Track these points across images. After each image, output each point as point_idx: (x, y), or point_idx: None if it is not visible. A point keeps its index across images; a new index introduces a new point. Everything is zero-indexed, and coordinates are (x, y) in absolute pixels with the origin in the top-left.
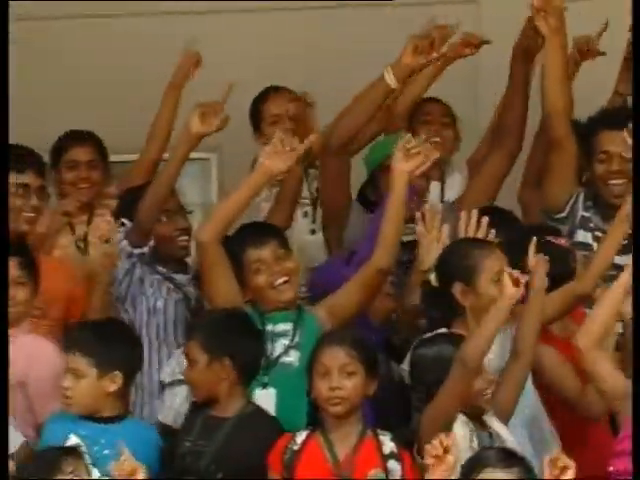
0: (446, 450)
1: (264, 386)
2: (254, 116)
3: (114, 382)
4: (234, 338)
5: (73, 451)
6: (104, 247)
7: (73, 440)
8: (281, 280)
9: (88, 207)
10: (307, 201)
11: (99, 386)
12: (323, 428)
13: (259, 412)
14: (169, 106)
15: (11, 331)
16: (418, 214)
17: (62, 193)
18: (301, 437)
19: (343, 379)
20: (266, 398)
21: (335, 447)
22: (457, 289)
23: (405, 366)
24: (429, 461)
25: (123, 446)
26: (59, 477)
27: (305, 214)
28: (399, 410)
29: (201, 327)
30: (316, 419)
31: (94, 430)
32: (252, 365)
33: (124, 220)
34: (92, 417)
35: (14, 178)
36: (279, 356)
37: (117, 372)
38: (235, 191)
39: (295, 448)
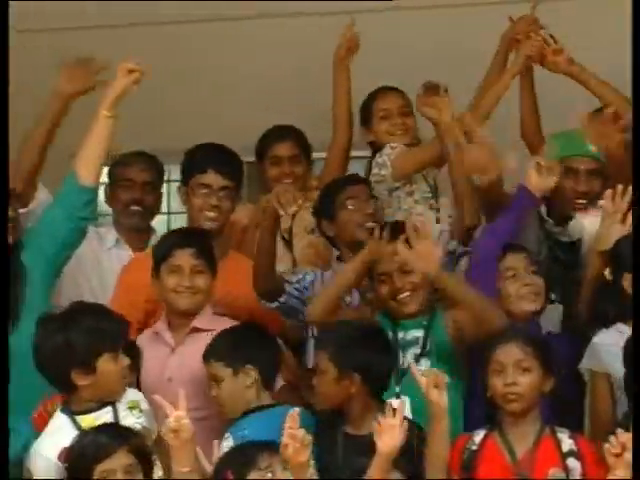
0: (624, 448)
1: (397, 396)
2: (364, 112)
3: (249, 375)
4: (365, 353)
5: (270, 446)
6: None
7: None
8: (405, 294)
9: None
10: (428, 194)
11: (236, 382)
12: (500, 427)
13: None
14: (342, 87)
15: (197, 321)
16: (608, 191)
17: (267, 188)
18: (479, 437)
19: (518, 375)
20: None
21: (513, 446)
22: (626, 281)
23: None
24: (610, 460)
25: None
26: (254, 472)
27: (430, 207)
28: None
29: (331, 338)
30: (493, 419)
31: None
32: (382, 380)
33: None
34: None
35: (197, 179)
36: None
37: (249, 366)
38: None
39: (474, 448)
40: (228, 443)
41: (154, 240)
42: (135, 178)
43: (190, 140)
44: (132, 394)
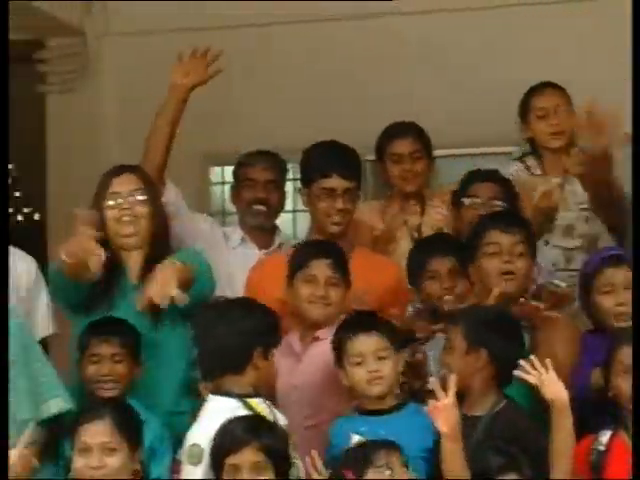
0: None
1: None
2: (522, 107)
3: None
4: (496, 334)
5: (387, 445)
6: None
7: (355, 439)
8: None
9: (419, 198)
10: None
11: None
12: (626, 426)
13: (511, 406)
14: None
15: (320, 332)
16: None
17: (390, 186)
18: (605, 437)
19: None
20: None
21: None
22: None
23: None
24: None
25: None
26: (372, 470)
27: None
28: None
29: (467, 316)
30: (617, 419)
31: (373, 424)
32: (508, 363)
33: None
34: (370, 411)
35: (320, 183)
36: None
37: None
38: None
39: (601, 448)
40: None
41: (279, 239)
42: (257, 178)
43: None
44: None
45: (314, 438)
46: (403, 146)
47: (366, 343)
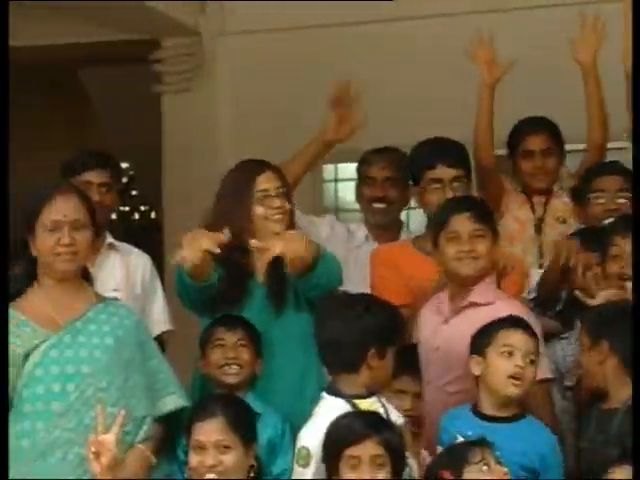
0: None
1: None
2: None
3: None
4: (616, 325)
5: (480, 442)
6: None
7: (459, 440)
8: None
9: (546, 191)
10: None
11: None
12: None
13: None
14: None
15: (474, 296)
16: None
17: (520, 182)
18: None
19: None
20: None
21: None
22: None
23: None
24: None
25: None
26: (467, 468)
27: None
28: None
29: (590, 313)
30: None
31: (483, 430)
32: (629, 350)
33: None
34: (486, 416)
35: (428, 175)
36: None
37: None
38: None
39: None
40: None
41: (404, 235)
42: (376, 176)
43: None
44: None
45: (456, 405)
46: (536, 142)
47: (520, 339)
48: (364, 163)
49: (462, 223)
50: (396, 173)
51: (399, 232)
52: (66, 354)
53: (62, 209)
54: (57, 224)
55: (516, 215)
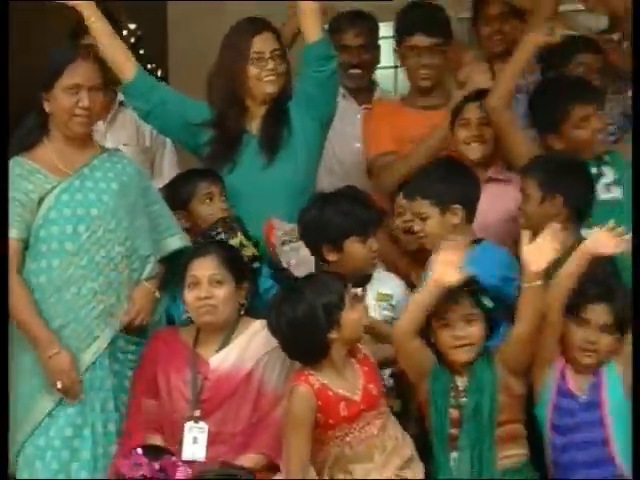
0: None
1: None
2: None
3: (455, 214)
4: (568, 179)
5: None
6: None
7: None
8: None
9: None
10: None
11: (444, 221)
12: None
13: None
14: None
15: (491, 172)
16: None
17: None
18: None
19: None
20: None
21: None
22: None
23: None
24: None
25: None
26: None
27: None
28: None
29: (539, 166)
30: None
31: None
32: (583, 206)
33: None
34: None
35: (407, 41)
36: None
37: (457, 205)
38: None
39: None
40: None
41: (377, 94)
42: (350, 44)
43: None
44: (387, 287)
45: None
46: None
47: None
48: (338, 31)
49: (472, 111)
50: (369, 39)
51: (373, 92)
52: (77, 197)
53: (82, 72)
54: (77, 87)
55: None
